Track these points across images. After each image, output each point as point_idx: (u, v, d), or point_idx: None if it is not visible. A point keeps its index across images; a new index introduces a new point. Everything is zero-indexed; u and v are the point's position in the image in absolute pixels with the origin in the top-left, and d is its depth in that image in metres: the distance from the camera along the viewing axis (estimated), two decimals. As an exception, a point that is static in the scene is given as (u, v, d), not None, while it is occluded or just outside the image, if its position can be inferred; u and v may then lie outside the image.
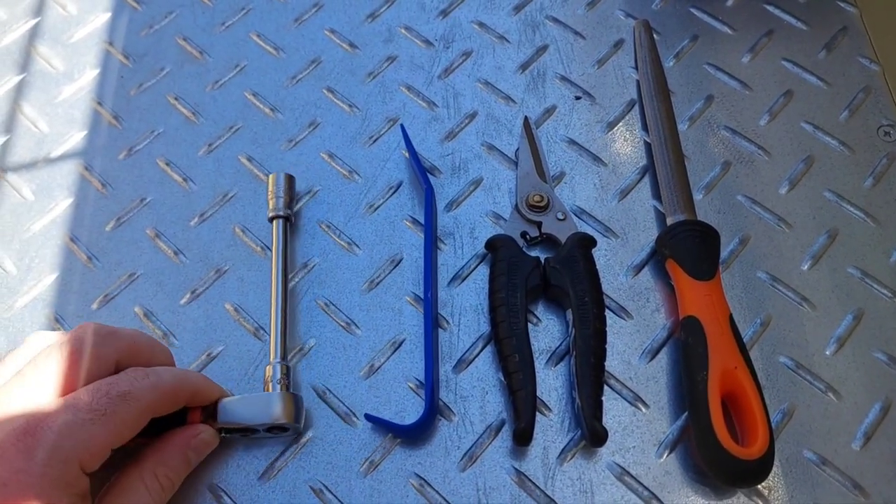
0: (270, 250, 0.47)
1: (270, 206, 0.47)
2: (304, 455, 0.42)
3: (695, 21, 0.55)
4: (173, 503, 0.40)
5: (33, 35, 0.58)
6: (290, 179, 0.48)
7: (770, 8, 0.55)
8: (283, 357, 0.43)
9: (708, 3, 0.56)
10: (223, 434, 0.41)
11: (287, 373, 0.42)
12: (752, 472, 0.38)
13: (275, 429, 0.40)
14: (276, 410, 0.40)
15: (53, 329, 0.46)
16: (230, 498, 0.41)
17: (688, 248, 0.44)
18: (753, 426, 0.39)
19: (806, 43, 0.54)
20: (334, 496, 0.40)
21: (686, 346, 0.42)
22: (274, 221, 0.47)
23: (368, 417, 0.41)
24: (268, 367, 0.42)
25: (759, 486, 0.40)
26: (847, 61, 0.53)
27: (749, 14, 0.55)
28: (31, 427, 0.33)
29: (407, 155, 0.50)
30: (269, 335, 0.43)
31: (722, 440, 0.38)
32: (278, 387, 0.41)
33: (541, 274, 0.45)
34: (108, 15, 0.58)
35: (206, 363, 0.44)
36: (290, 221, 0.48)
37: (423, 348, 0.44)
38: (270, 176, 0.48)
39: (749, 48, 0.54)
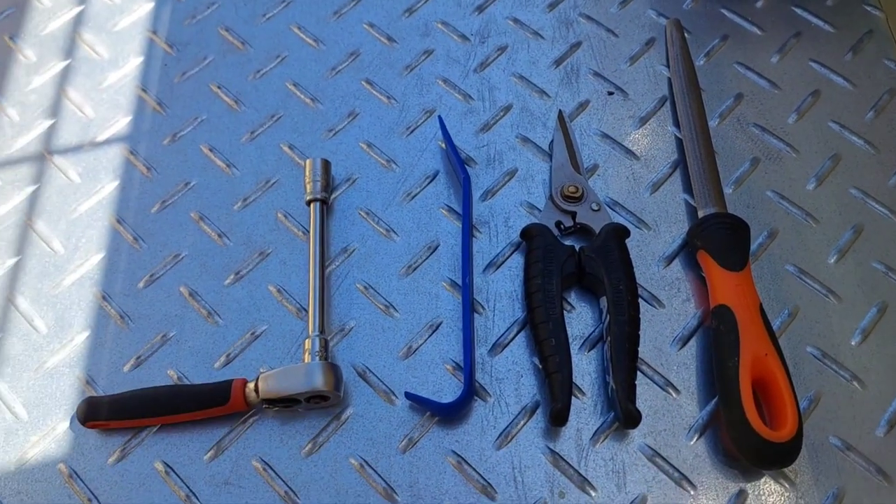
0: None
1: (308, 190, 0.49)
2: (344, 431, 0.43)
3: (725, 21, 0.57)
4: (222, 475, 0.42)
5: (78, 22, 0.59)
6: (326, 164, 0.50)
7: (798, 10, 0.57)
8: (322, 330, 0.44)
9: (738, 4, 0.57)
10: (265, 406, 0.42)
11: (325, 345, 0.44)
12: (782, 454, 0.39)
13: (315, 398, 0.42)
14: (315, 379, 0.41)
15: (100, 308, 0.47)
16: (274, 471, 0.42)
17: (719, 239, 0.45)
18: (783, 410, 0.40)
19: (833, 45, 0.55)
20: (374, 471, 0.42)
21: (717, 333, 0.43)
22: (311, 204, 0.49)
23: (408, 395, 0.43)
24: (306, 340, 0.44)
25: (786, 470, 0.41)
26: (873, 63, 0.55)
27: (778, 15, 0.57)
28: None
29: (444, 145, 0.52)
30: (308, 309, 0.45)
31: (753, 423, 0.39)
32: (317, 357, 0.43)
33: (576, 262, 0.46)
34: (152, 4, 0.59)
35: (251, 342, 0.46)
36: (326, 204, 0.49)
37: (459, 331, 0.46)
38: (307, 161, 0.50)
39: (778, 49, 0.55)
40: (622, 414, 0.41)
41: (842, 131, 0.52)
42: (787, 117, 0.52)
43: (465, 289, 0.46)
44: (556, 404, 0.41)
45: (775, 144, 0.51)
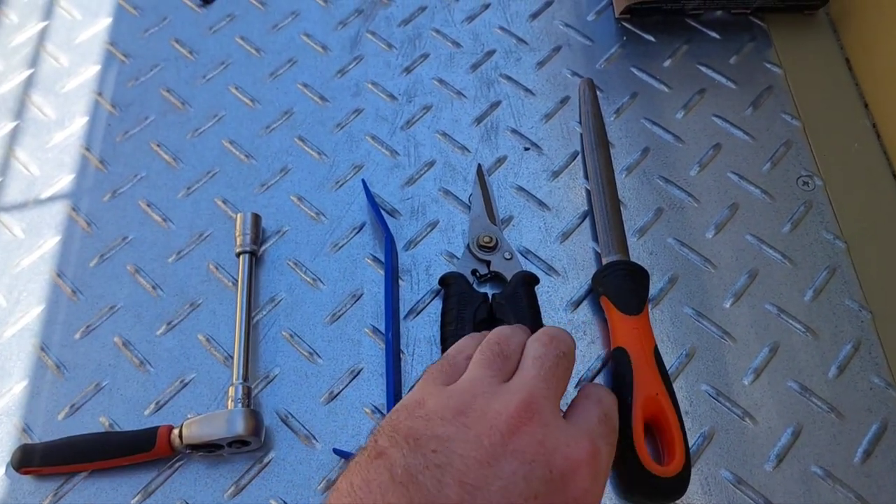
0: (241, 285, 0.51)
1: (238, 243, 0.52)
2: (266, 474, 0.46)
3: (635, 80, 0.61)
4: (144, 517, 0.44)
5: (28, 85, 0.62)
6: (256, 218, 0.53)
7: (703, 68, 0.61)
8: (246, 378, 0.47)
9: (647, 63, 0.61)
10: (188, 451, 0.45)
11: (248, 392, 0.46)
12: (669, 489, 0.42)
13: (237, 443, 0.44)
14: (237, 425, 0.44)
15: (38, 359, 0.50)
16: (198, 513, 0.44)
17: (619, 285, 0.48)
18: (671, 447, 0.43)
19: (735, 100, 0.59)
20: (293, 512, 0.44)
21: (615, 374, 0.46)
22: (241, 256, 0.52)
23: (336, 452, 0.45)
24: (230, 388, 0.46)
25: (678, 503, 0.44)
26: (771, 117, 0.59)
27: (684, 73, 0.61)
28: None
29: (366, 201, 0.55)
30: (233, 358, 0.48)
31: (642, 459, 0.42)
32: (239, 404, 0.45)
33: (488, 308, 0.49)
34: (98, 67, 0.63)
35: (180, 389, 0.48)
36: (255, 256, 0.52)
37: (379, 377, 0.48)
38: (238, 215, 0.53)
39: (683, 105, 0.59)
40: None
41: (740, 182, 0.56)
42: (690, 169, 0.56)
43: (389, 343, 0.48)
44: (462, 444, 0.44)
45: (678, 195, 0.55)
